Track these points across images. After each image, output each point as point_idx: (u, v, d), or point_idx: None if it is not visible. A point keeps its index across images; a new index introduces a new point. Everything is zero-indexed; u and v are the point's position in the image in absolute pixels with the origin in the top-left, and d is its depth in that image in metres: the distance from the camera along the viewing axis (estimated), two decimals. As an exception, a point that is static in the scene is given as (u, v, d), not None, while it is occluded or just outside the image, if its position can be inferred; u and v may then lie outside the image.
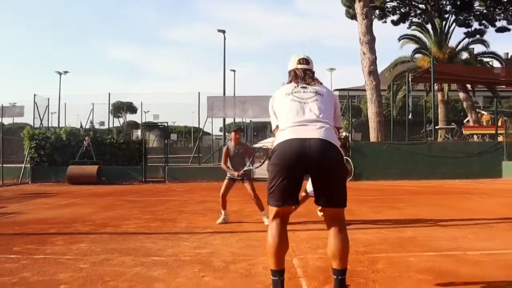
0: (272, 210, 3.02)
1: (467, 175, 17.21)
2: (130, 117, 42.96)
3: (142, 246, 5.15)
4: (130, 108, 36.63)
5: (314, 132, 2.95)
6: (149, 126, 25.07)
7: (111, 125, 22.82)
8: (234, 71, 43.61)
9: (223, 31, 31.00)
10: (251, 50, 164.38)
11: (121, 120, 36.66)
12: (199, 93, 19.37)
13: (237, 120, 37.79)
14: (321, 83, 3.37)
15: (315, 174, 2.97)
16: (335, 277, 2.94)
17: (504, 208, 8.35)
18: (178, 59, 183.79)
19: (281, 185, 2.93)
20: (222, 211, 7.06)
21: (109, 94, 20.09)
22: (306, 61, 3.45)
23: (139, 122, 25.72)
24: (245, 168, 6.88)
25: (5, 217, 7.80)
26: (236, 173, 6.92)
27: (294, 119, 3.05)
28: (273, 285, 2.96)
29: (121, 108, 38.12)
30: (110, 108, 22.06)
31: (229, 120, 28.36)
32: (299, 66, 3.41)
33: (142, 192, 13.54)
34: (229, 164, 7.11)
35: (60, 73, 40.95)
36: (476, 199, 10.17)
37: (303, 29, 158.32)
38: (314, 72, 3.45)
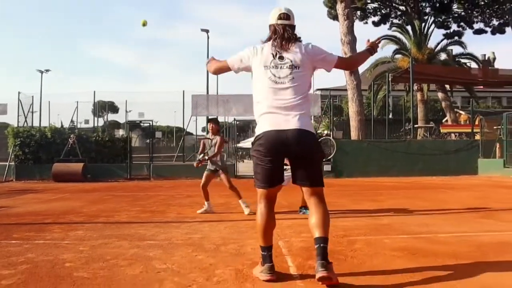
0: (260, 192, 3.29)
1: (444, 172, 17.81)
2: (111, 116, 42.87)
3: (136, 233, 5.47)
4: (112, 107, 36.68)
5: (290, 122, 3.17)
6: (132, 126, 25.23)
7: (95, 124, 22.99)
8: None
9: (207, 31, 31.23)
10: (234, 49, 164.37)
11: (101, 119, 36.61)
12: (183, 91, 19.68)
13: (220, 119, 38.20)
14: (299, 40, 3.41)
15: (294, 159, 3.27)
16: (318, 245, 3.06)
17: (475, 200, 8.86)
18: (161, 58, 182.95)
19: (266, 169, 3.22)
20: (206, 202, 7.38)
21: (94, 92, 20.30)
22: (286, 16, 3.42)
23: (121, 121, 25.89)
24: (209, 156, 7.35)
25: (2, 212, 8.00)
26: (206, 158, 7.38)
27: (271, 102, 3.24)
28: (263, 259, 3.23)
29: (103, 107, 38.06)
30: (93, 107, 22.20)
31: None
32: (279, 22, 3.40)
33: (128, 188, 13.79)
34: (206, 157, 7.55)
35: (41, 72, 40.67)
36: (450, 193, 10.70)
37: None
38: (294, 26, 3.45)
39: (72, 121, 23.01)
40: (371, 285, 3.17)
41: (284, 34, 3.35)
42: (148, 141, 25.21)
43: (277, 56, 3.31)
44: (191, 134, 34.52)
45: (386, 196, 10.02)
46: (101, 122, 32.46)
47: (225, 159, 7.33)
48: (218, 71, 3.75)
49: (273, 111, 3.23)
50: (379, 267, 3.61)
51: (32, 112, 20.34)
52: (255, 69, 3.39)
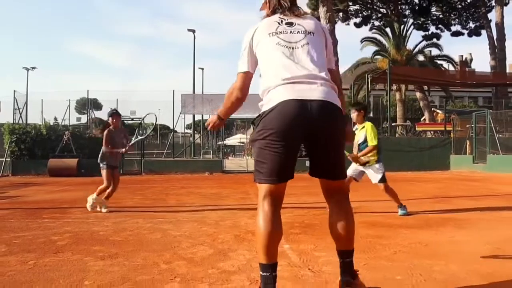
0: (264, 189, 2.42)
1: (419, 167, 19.10)
2: (95, 114, 43.46)
3: (146, 214, 6.51)
4: (96, 104, 37.31)
5: (314, 92, 2.38)
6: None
7: (75, 122, 23.79)
8: (202, 69, 44.81)
9: (193, 31, 32.05)
10: (216, 48, 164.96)
11: (84, 117, 37.21)
12: (173, 91, 20.64)
13: (206, 117, 39.15)
14: (306, 13, 2.76)
15: (316, 142, 2.41)
16: (343, 260, 2.52)
17: (437, 190, 10.09)
18: (145, 56, 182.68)
19: (277, 156, 2.35)
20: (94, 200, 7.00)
21: (88, 91, 21.15)
22: None
23: (104, 119, 26.69)
24: (132, 143, 7.08)
25: (14, 199, 8.97)
26: (123, 150, 6.94)
27: (284, 74, 2.43)
28: (263, 283, 2.37)
29: (86, 105, 38.69)
30: (75, 105, 23.00)
31: (198, 117, 29.63)
32: None
33: (124, 181, 14.66)
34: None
35: (27, 69, 41.10)
36: (418, 184, 11.92)
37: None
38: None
39: (55, 118, 23.75)
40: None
41: (292, 6, 2.68)
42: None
43: (284, 22, 2.60)
44: (175, 131, 35.43)
45: (361, 188, 11.16)
46: (84, 119, 33.12)
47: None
48: (243, 88, 2.69)
49: (290, 81, 2.41)
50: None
51: (27, 110, 21.09)
52: (258, 44, 2.61)
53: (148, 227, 5.26)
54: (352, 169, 6.38)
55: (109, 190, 6.98)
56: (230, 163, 28.84)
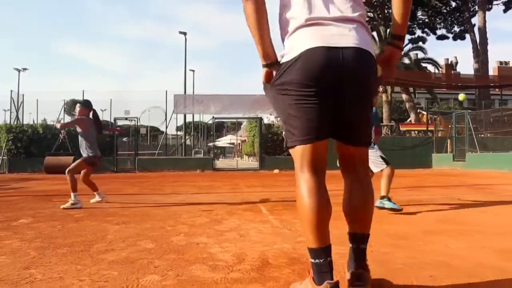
0: (300, 152, 2.00)
1: (402, 165, 19.94)
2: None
3: (147, 198, 7.25)
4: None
5: (346, 37, 1.93)
6: (104, 125, 26.81)
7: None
8: (193, 71, 45.56)
9: (184, 33, 32.73)
10: (206, 49, 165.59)
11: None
12: (166, 91, 21.35)
13: (196, 118, 39.87)
14: None
15: (344, 96, 1.95)
16: (355, 245, 2.12)
17: (412, 182, 10.95)
18: (135, 57, 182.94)
19: (310, 109, 1.93)
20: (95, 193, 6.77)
21: (83, 91, 21.71)
22: None
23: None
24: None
25: (19, 190, 9.65)
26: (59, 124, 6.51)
27: (307, 13, 1.97)
28: (316, 272, 1.94)
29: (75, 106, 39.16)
30: (65, 106, 23.52)
31: (189, 119, 30.35)
32: None
33: (119, 177, 15.45)
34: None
35: (19, 70, 41.57)
36: (396, 180, 12.74)
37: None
38: None
39: (44, 118, 24.26)
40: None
41: None
42: (125, 139, 26.83)
43: None
44: (162, 132, 36.12)
45: (337, 180, 11.99)
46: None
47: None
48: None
49: (318, 22, 1.96)
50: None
51: (23, 110, 21.69)
52: None
53: (151, 206, 6.01)
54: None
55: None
56: (221, 163, 29.63)
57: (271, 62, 2.07)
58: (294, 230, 4.03)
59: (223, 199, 7.06)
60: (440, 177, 13.66)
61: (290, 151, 2.08)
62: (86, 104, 6.87)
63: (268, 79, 2.11)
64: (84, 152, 6.63)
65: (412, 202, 6.33)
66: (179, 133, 41.49)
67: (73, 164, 6.68)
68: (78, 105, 6.78)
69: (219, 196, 7.62)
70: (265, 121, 24.00)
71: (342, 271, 2.54)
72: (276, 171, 18.76)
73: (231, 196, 7.47)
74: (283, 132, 2.14)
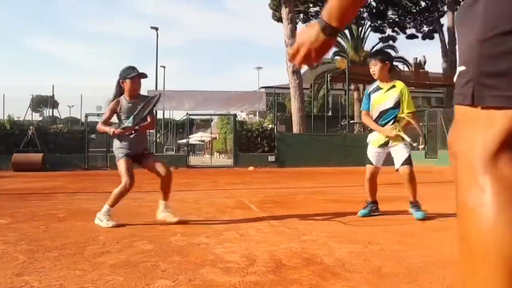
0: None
1: (376, 162, 20.17)
2: (51, 111, 42.87)
3: (132, 198, 6.93)
4: (52, 102, 36.86)
5: None
6: (72, 121, 26.22)
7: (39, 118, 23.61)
8: (164, 67, 44.95)
9: (156, 28, 32.26)
10: (177, 46, 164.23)
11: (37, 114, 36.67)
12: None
13: (166, 115, 39.33)
14: None
15: None
16: None
17: (392, 180, 10.98)
18: (104, 53, 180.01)
19: None
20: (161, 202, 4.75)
21: (53, 86, 21.02)
22: None
23: (59, 116, 26.63)
24: (126, 124, 4.45)
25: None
26: (113, 129, 4.52)
27: None
28: None
29: (41, 102, 38.13)
30: (30, 102, 22.80)
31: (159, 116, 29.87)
32: None
33: (91, 174, 15.02)
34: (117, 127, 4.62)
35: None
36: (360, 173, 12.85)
37: (232, 27, 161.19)
38: None
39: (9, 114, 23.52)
40: (305, 214, 4.94)
41: None
42: (93, 136, 26.19)
43: None
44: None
45: (320, 178, 11.98)
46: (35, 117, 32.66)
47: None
48: None
49: None
50: (310, 209, 5.40)
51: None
52: None
53: (135, 204, 5.78)
54: (375, 154, 4.71)
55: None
56: (193, 160, 29.27)
57: (336, 25, 1.26)
58: (293, 228, 3.89)
59: (207, 196, 6.88)
60: (418, 174, 13.78)
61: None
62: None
63: (318, 54, 1.32)
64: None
65: (404, 199, 6.28)
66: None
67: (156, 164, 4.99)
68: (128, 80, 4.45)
69: (202, 193, 7.43)
70: (238, 118, 23.83)
71: (356, 270, 2.41)
72: (251, 168, 18.62)
73: (215, 194, 7.30)
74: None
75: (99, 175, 14.80)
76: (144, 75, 4.57)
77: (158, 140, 29.18)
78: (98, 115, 21.12)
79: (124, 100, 4.54)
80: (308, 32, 1.31)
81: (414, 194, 4.57)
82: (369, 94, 4.68)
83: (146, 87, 22.43)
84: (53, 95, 21.73)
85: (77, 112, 24.19)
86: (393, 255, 2.85)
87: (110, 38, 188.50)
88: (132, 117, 4.40)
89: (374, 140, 4.67)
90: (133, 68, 4.48)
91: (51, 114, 26.33)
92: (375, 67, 4.52)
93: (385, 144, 4.58)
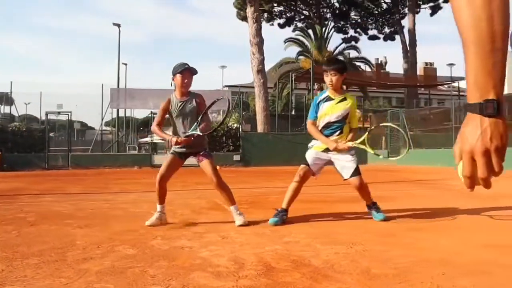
0: None
1: (339, 161, 20.47)
2: (7, 109, 41.51)
3: (97, 197, 6.83)
4: (6, 99, 35.69)
5: None
6: (29, 119, 25.45)
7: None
8: (125, 64, 44.14)
9: (118, 25, 31.65)
10: (138, 43, 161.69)
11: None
12: (102, 84, 20.47)
13: (126, 113, 38.68)
14: None
15: None
16: None
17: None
18: (67, 48, 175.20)
19: None
20: (158, 206, 4.42)
21: (11, 82, 20.32)
22: None
23: (16, 114, 25.90)
24: (190, 132, 4.24)
25: None
26: (175, 139, 4.22)
27: None
28: None
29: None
30: None
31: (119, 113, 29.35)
32: None
33: (52, 175, 14.59)
34: (170, 131, 4.54)
35: None
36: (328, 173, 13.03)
37: (196, 25, 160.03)
38: None
39: None
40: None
41: None
42: (52, 134, 25.48)
43: None
44: (93, 128, 34.79)
45: (289, 178, 12.03)
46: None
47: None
48: None
49: None
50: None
51: None
52: None
53: (106, 206, 5.64)
54: (315, 157, 4.66)
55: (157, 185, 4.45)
56: (156, 159, 28.85)
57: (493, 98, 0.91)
58: (273, 230, 3.90)
59: (179, 197, 6.79)
60: (381, 173, 14.06)
61: None
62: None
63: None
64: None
65: (375, 199, 6.38)
66: (107, 128, 40.07)
67: (209, 169, 4.49)
68: (179, 75, 4.29)
69: (173, 194, 7.29)
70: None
71: (346, 272, 2.44)
72: (217, 167, 18.54)
73: (186, 194, 7.23)
74: None
75: (61, 175, 14.41)
76: (194, 70, 4.35)
77: (119, 139, 28.65)
78: (59, 113, 20.64)
79: (174, 98, 4.40)
80: (473, 131, 0.92)
81: (369, 197, 4.56)
82: (318, 104, 4.53)
83: (110, 84, 22.03)
84: (11, 91, 20.97)
85: (34, 109, 23.43)
86: (378, 255, 2.89)
87: (72, 34, 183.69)
88: (196, 123, 4.22)
89: (319, 145, 4.57)
90: (184, 64, 4.31)
91: (6, 111, 25.50)
92: (333, 77, 4.36)
93: (328, 149, 4.48)
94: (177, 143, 4.23)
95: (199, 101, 4.37)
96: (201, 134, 4.19)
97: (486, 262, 2.71)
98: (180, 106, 4.33)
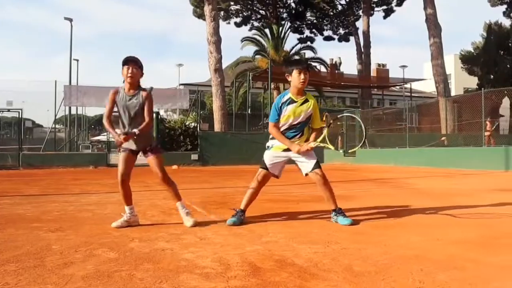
0: None
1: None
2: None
3: (58, 199, 6.64)
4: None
5: None
6: None
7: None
8: (77, 60, 42.97)
9: (70, 20, 30.85)
10: (89, 38, 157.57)
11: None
12: (55, 81, 19.88)
13: (79, 111, 37.70)
14: None
15: None
16: None
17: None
18: (16, 43, 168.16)
19: None
20: (126, 208, 4.32)
21: (-44, 79, 19.33)
22: None
23: None
24: (131, 130, 4.23)
25: None
26: (121, 138, 4.15)
27: None
28: None
29: None
30: None
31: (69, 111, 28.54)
32: None
33: (4, 175, 14.02)
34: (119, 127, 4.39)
35: None
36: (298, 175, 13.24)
37: (150, 22, 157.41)
38: None
39: None
40: (253, 215, 5.01)
41: None
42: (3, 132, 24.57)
43: None
44: (41, 126, 33.69)
45: (249, 177, 12.11)
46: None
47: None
48: None
49: None
50: (256, 210, 5.50)
51: None
52: None
53: (71, 209, 5.51)
54: (272, 160, 4.70)
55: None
56: (112, 158, 28.26)
57: None
58: (248, 229, 3.95)
59: (144, 198, 6.73)
60: (339, 172, 14.38)
61: None
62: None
63: None
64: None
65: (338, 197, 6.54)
66: (58, 126, 38.93)
67: (155, 164, 4.43)
68: (130, 65, 4.23)
69: (137, 195, 7.20)
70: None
71: (332, 270, 2.52)
72: (174, 167, 18.37)
73: (150, 195, 7.17)
74: None
75: (12, 175, 13.89)
76: (138, 61, 4.25)
77: (64, 136, 27.95)
78: (9, 110, 19.86)
79: (122, 90, 4.28)
80: None
81: (334, 199, 4.50)
82: (280, 107, 4.46)
83: (63, 81, 21.37)
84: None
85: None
86: (356, 253, 3.00)
87: (20, 28, 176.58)
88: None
89: (279, 145, 4.55)
90: (129, 56, 4.25)
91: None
92: (306, 76, 4.36)
93: (288, 149, 4.49)
94: (120, 142, 4.19)
95: (145, 97, 4.26)
96: (137, 133, 4.17)
97: (457, 257, 2.87)
98: (126, 100, 4.25)
